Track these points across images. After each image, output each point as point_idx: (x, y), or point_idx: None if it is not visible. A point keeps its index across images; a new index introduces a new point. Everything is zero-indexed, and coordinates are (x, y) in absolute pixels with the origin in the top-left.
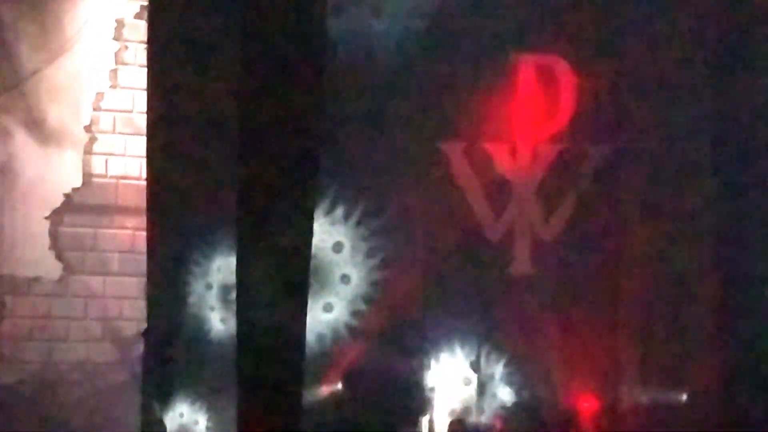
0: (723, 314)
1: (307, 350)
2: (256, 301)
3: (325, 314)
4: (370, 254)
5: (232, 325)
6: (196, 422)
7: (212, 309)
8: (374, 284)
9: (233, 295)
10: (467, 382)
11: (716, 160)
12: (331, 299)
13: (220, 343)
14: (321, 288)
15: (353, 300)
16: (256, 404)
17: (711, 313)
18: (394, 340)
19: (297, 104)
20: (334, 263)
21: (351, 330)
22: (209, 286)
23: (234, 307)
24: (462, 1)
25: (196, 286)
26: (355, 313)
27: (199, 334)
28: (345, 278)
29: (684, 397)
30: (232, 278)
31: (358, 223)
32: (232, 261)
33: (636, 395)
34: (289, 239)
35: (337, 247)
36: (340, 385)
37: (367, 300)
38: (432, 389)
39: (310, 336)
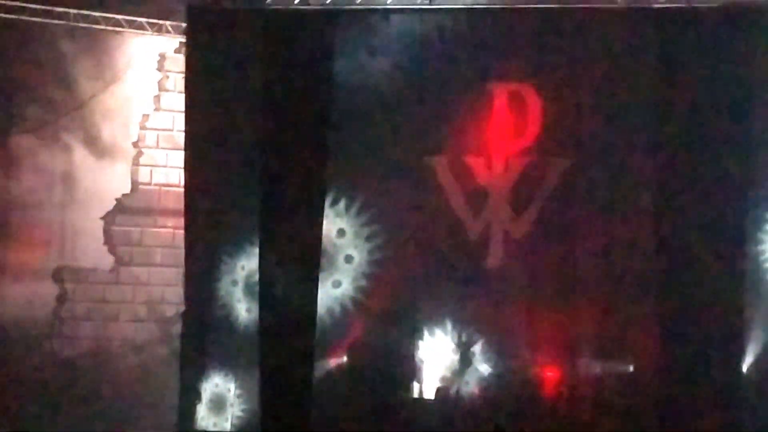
0: (664, 299)
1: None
2: (275, 277)
3: (334, 290)
4: (368, 239)
5: (254, 314)
6: (228, 390)
7: (239, 301)
8: (373, 263)
9: (255, 288)
10: (452, 356)
11: (656, 173)
12: (339, 277)
13: (246, 327)
14: (329, 267)
15: (356, 277)
16: (276, 372)
17: (654, 298)
18: (390, 322)
19: (308, 126)
20: (339, 246)
21: (356, 303)
22: (234, 283)
23: (256, 298)
24: (444, 39)
25: (225, 279)
26: (358, 289)
27: (227, 316)
28: (348, 258)
29: (630, 367)
30: (254, 276)
31: (358, 214)
32: (255, 260)
33: (591, 366)
34: (302, 227)
35: (341, 233)
36: (345, 358)
37: (368, 276)
38: (422, 361)
39: (322, 309)
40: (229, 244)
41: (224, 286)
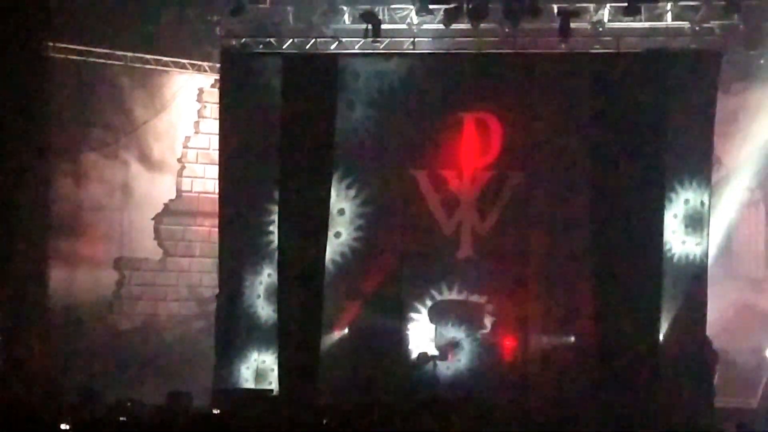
0: (605, 282)
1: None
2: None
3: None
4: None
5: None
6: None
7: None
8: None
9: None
10: (429, 328)
11: (591, 185)
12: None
13: (267, 304)
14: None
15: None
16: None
17: (597, 281)
18: (377, 303)
19: (317, 148)
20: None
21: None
22: (261, 282)
23: (275, 304)
24: (427, 77)
25: (250, 269)
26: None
27: (252, 298)
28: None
29: (573, 338)
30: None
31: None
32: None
33: (542, 336)
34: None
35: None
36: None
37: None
38: (406, 334)
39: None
40: (253, 241)
41: (249, 274)
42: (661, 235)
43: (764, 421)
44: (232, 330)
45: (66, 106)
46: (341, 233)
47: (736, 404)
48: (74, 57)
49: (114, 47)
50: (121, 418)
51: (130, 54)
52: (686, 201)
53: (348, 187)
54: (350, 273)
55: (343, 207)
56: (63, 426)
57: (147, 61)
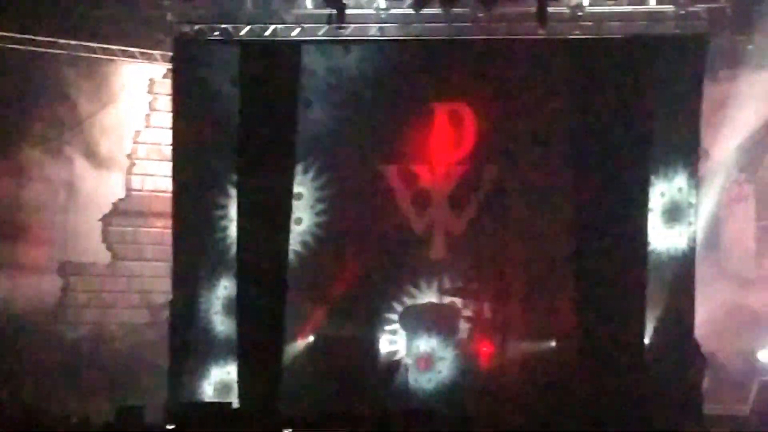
0: (587, 282)
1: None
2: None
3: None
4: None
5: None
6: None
7: (216, 302)
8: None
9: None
10: (399, 333)
11: (570, 178)
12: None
13: (224, 311)
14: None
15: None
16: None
17: (578, 282)
18: (345, 308)
19: (278, 143)
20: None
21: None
22: (218, 286)
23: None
24: (395, 66)
25: (207, 271)
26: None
27: (208, 302)
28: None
29: (553, 343)
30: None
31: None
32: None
33: (519, 342)
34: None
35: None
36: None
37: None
38: (375, 341)
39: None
40: (212, 244)
41: (206, 276)
42: (646, 231)
43: (756, 428)
44: (188, 339)
45: (4, 98)
46: (302, 219)
47: (726, 411)
48: (13, 45)
49: (57, 35)
50: None
51: (74, 42)
52: (672, 195)
53: (312, 180)
54: (315, 275)
55: (301, 195)
56: None
57: (93, 50)
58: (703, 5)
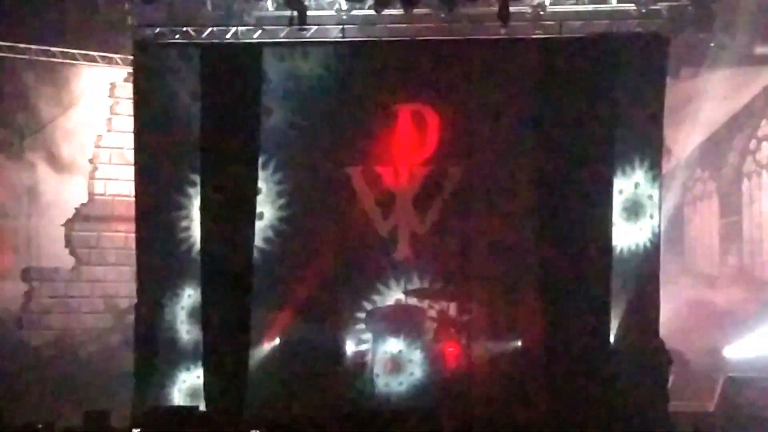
0: (552, 281)
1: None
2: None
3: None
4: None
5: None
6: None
7: (182, 307)
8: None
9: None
10: (365, 334)
11: (536, 177)
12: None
13: (191, 316)
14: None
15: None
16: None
17: (543, 281)
18: (310, 311)
19: (241, 146)
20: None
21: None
22: (182, 301)
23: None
24: (357, 67)
25: (172, 276)
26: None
27: (174, 307)
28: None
29: (519, 343)
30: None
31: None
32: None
33: (484, 342)
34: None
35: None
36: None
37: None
38: (341, 343)
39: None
40: (174, 248)
41: (170, 281)
42: (610, 229)
43: (721, 425)
44: (154, 342)
45: None
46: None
47: (691, 408)
48: None
49: (16, 39)
50: None
51: (34, 47)
52: (635, 193)
53: (275, 183)
54: (281, 278)
55: (263, 211)
56: None
57: (53, 54)
58: (664, 3)
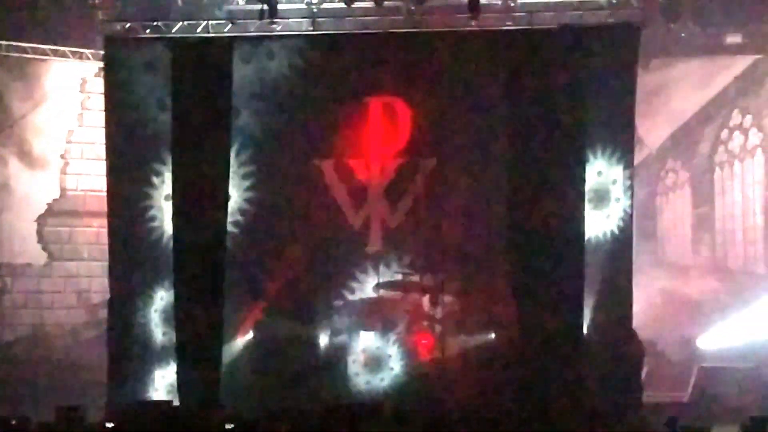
0: (524, 272)
1: None
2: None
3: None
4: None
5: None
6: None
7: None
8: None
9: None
10: (338, 327)
11: (507, 167)
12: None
13: (163, 312)
14: None
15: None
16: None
17: (515, 272)
18: (283, 305)
19: (212, 140)
20: None
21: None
22: (155, 295)
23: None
24: (327, 60)
25: (145, 269)
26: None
27: (146, 302)
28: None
29: (492, 335)
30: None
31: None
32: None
33: (458, 333)
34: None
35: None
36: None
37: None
38: (314, 336)
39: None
40: (146, 240)
41: (143, 275)
42: (582, 220)
43: (695, 414)
44: (127, 337)
45: None
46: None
47: (665, 398)
48: None
49: None
50: None
51: (4, 43)
52: (607, 184)
53: (245, 177)
54: (254, 272)
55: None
56: None
57: (23, 50)
58: None
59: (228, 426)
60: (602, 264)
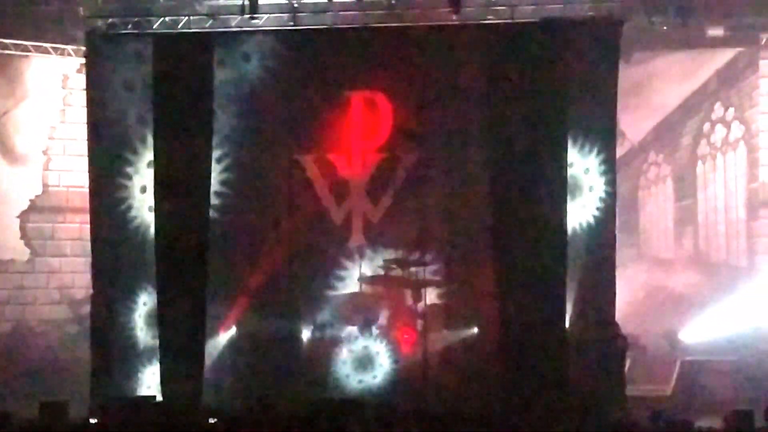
0: (507, 267)
1: None
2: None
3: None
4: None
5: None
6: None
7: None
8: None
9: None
10: (321, 323)
11: (489, 162)
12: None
13: (147, 309)
14: None
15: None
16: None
17: (498, 267)
18: (265, 300)
19: (194, 134)
20: None
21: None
22: (138, 290)
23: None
24: (308, 55)
25: (126, 265)
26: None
27: (130, 297)
28: None
29: (475, 329)
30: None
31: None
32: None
33: (442, 328)
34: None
35: None
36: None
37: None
38: (296, 331)
39: None
40: (128, 236)
41: (126, 271)
42: (564, 214)
43: (679, 408)
44: (110, 333)
45: None
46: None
47: (649, 392)
48: None
49: None
50: None
51: None
52: (589, 177)
53: (225, 171)
54: (236, 267)
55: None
56: None
57: (5, 46)
58: None
59: (211, 420)
60: (584, 257)
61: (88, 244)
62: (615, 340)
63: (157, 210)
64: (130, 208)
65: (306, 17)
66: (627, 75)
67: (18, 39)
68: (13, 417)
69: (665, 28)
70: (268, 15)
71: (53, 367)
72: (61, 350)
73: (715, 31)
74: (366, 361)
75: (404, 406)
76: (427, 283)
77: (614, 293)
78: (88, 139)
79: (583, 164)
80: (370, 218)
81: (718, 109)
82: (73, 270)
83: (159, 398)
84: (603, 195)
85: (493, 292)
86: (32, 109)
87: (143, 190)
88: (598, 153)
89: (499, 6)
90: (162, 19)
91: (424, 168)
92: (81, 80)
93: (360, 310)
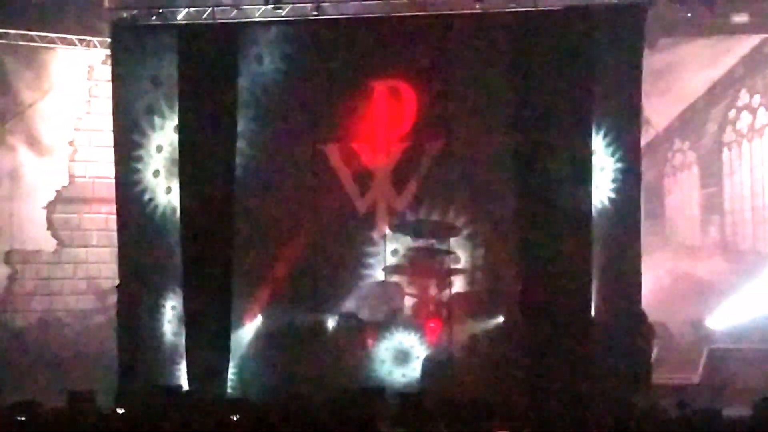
0: (532, 255)
1: None
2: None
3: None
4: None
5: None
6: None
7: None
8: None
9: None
10: (346, 312)
11: (513, 150)
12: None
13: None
14: None
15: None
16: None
17: (522, 255)
18: (290, 291)
19: (218, 123)
20: None
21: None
22: (164, 280)
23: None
24: (332, 44)
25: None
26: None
27: (155, 286)
28: None
29: (500, 318)
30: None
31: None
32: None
33: (467, 317)
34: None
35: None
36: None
37: None
38: (321, 322)
39: None
40: (154, 226)
41: (152, 260)
42: (590, 201)
43: (706, 396)
44: (137, 323)
45: None
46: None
47: (675, 380)
48: None
49: None
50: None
51: (12, 31)
52: (615, 165)
53: (250, 160)
54: (262, 258)
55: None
56: None
57: (32, 39)
58: None
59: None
60: (610, 245)
61: (114, 235)
62: (641, 328)
63: (183, 201)
64: (154, 198)
65: (329, 7)
66: (651, 62)
67: (44, 31)
68: (41, 406)
69: (690, 14)
70: (291, 5)
71: (80, 357)
72: (88, 340)
73: (740, 18)
74: (392, 350)
75: (430, 395)
76: (452, 272)
77: (640, 281)
78: (113, 130)
79: (607, 151)
80: (394, 207)
81: (743, 96)
82: (99, 260)
83: (186, 388)
84: (628, 182)
85: (518, 279)
86: (58, 101)
87: (156, 174)
88: (623, 140)
89: None
90: (186, 10)
91: (448, 156)
92: (106, 71)
93: (385, 300)
